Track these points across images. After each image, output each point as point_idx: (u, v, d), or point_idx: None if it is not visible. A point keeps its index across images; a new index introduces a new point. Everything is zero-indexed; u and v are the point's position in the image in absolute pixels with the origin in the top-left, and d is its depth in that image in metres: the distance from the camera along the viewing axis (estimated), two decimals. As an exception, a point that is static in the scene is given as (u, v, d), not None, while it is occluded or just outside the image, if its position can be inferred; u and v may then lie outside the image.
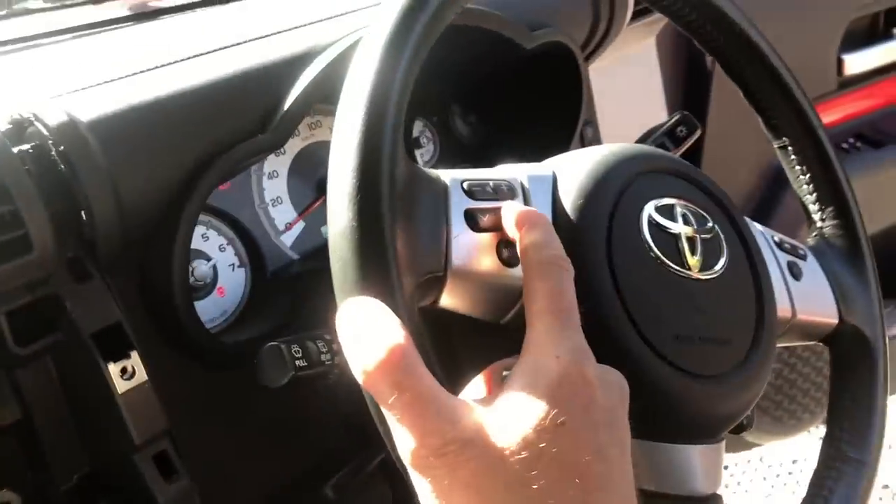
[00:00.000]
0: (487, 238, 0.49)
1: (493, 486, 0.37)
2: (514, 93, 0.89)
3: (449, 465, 0.37)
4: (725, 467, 2.07)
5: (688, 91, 1.10)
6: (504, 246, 0.49)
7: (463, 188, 0.50)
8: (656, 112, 0.99)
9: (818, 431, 1.97)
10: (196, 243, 0.69)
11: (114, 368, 0.52)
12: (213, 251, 0.71)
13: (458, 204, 0.49)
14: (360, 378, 0.39)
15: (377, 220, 0.43)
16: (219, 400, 0.63)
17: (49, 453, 0.57)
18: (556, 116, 0.87)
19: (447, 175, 0.50)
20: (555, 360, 0.40)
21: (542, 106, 0.89)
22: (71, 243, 0.53)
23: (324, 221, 0.79)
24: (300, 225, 0.77)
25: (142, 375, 0.53)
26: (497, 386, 0.44)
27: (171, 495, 0.55)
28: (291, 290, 0.72)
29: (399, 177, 0.44)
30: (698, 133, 0.78)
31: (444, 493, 0.37)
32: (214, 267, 0.70)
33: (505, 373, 0.44)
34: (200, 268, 0.69)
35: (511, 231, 0.48)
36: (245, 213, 0.73)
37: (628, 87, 0.98)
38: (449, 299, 0.49)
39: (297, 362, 0.52)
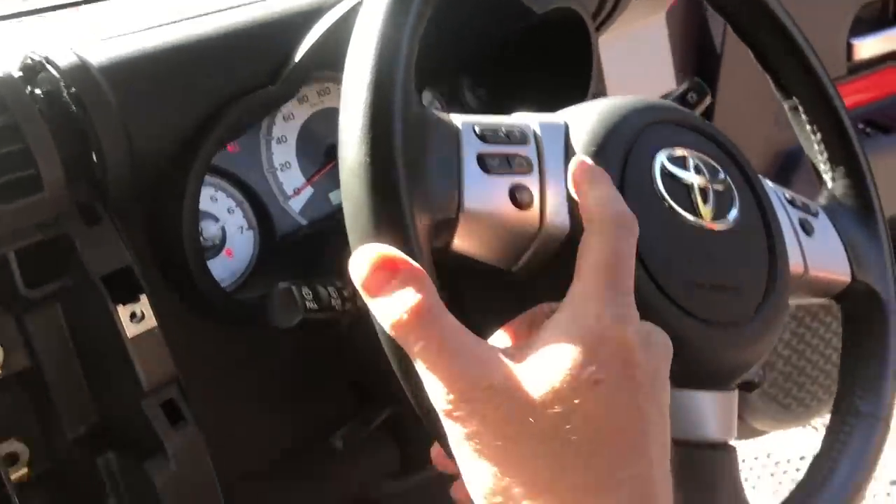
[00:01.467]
0: (500, 181, 0.49)
1: (523, 436, 0.36)
2: (524, 65, 0.89)
3: (478, 411, 0.37)
4: (733, 463, 2.06)
5: (697, 70, 1.10)
6: (517, 189, 0.49)
7: (475, 132, 0.50)
8: (665, 87, 0.99)
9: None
10: (205, 204, 0.69)
11: (123, 312, 0.52)
12: (222, 213, 0.71)
13: (471, 147, 0.49)
14: (386, 327, 0.38)
15: (390, 156, 0.42)
16: (227, 355, 0.63)
17: (57, 402, 0.57)
18: (566, 89, 0.87)
19: (458, 119, 0.50)
20: (595, 319, 0.39)
21: (551, 79, 0.89)
22: (82, 186, 0.53)
23: (332, 187, 0.79)
24: (308, 191, 0.77)
25: (151, 320, 0.53)
26: (524, 338, 0.44)
27: (178, 442, 0.55)
28: (300, 254, 0.72)
29: (411, 116, 0.44)
30: (709, 100, 0.77)
31: (474, 437, 0.37)
32: (223, 228, 0.70)
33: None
34: (209, 228, 0.69)
35: (575, 183, 0.47)
36: (253, 177, 0.73)
37: (637, 62, 0.98)
38: (461, 242, 0.49)
39: (308, 304, 0.52)
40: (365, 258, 0.40)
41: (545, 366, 0.38)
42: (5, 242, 0.50)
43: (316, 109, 0.78)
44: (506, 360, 0.38)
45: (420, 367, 0.38)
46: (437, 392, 0.37)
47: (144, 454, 0.55)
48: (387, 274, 0.39)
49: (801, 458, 1.97)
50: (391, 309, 0.38)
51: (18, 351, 0.55)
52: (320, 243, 0.73)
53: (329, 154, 0.79)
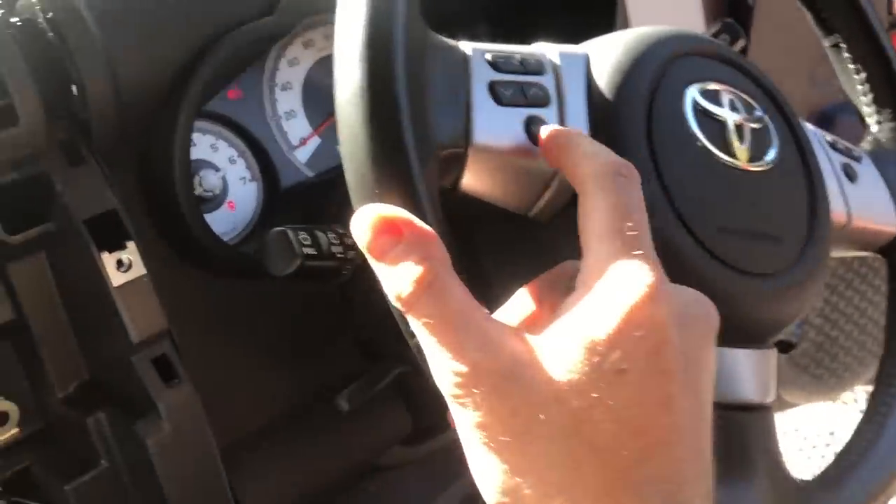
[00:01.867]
0: (514, 112, 0.45)
1: (534, 434, 0.32)
2: (544, 12, 0.85)
3: (485, 400, 0.33)
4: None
5: (728, 13, 1.05)
6: (533, 122, 0.45)
7: (487, 59, 0.46)
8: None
9: (857, 405, 1.92)
10: (204, 153, 0.65)
11: (108, 259, 0.49)
12: (223, 163, 0.67)
13: (481, 75, 0.45)
14: (390, 298, 0.35)
15: (391, 80, 0.38)
16: (225, 309, 0.59)
17: (46, 358, 0.53)
18: (588, 33, 0.82)
19: (468, 46, 0.46)
20: (615, 298, 0.34)
21: (573, 25, 0.84)
22: (64, 124, 0.49)
23: (341, 139, 0.75)
24: (315, 141, 0.73)
25: (139, 269, 0.50)
26: (546, 304, 0.40)
27: (171, 401, 0.51)
28: (306, 207, 0.68)
29: (414, 39, 0.40)
30: (742, 42, 0.72)
31: (481, 428, 0.33)
32: (224, 179, 0.66)
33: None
34: (209, 178, 0.65)
35: (549, 152, 0.43)
36: (256, 126, 0.69)
37: (664, 11, 0.93)
38: (471, 180, 0.45)
39: (306, 250, 0.48)
40: (367, 220, 0.36)
41: (560, 353, 0.33)
42: (-20, 181, 0.46)
43: (323, 54, 0.74)
44: (517, 343, 0.34)
45: (425, 342, 0.34)
46: (442, 373, 0.33)
47: (136, 414, 0.52)
48: (391, 238, 0.35)
49: (831, 434, 1.92)
50: (395, 279, 0.34)
51: (3, 303, 0.51)
52: (327, 196, 0.69)
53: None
